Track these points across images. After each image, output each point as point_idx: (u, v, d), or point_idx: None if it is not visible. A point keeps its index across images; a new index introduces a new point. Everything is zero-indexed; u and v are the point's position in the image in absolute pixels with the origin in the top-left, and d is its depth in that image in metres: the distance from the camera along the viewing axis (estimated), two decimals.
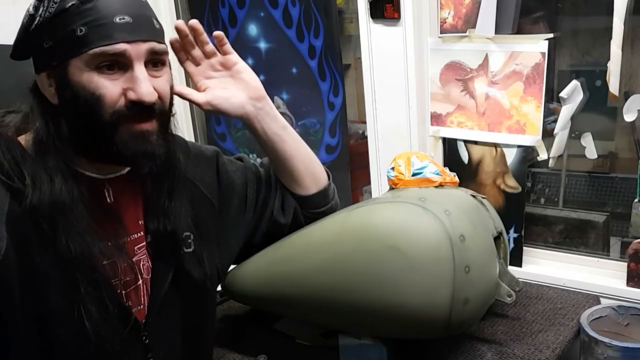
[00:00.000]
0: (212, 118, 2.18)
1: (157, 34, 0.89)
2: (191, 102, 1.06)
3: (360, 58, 1.69)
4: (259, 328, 1.38)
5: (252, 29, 1.97)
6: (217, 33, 1.06)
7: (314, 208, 1.18)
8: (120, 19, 0.83)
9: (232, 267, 1.25)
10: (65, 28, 0.82)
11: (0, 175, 0.84)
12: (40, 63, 0.87)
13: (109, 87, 0.84)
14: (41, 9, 0.83)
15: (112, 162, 0.91)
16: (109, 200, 0.93)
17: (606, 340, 1.22)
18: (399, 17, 1.56)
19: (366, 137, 1.77)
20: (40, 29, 0.84)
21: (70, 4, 0.82)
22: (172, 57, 0.98)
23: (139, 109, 0.85)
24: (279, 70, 1.93)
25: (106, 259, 0.89)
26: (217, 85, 1.08)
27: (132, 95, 0.84)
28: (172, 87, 0.93)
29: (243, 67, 1.09)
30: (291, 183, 1.16)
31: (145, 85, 0.84)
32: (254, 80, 1.10)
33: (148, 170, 0.89)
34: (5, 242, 0.81)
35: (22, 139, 0.89)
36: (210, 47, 1.07)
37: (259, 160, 2.10)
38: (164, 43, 0.90)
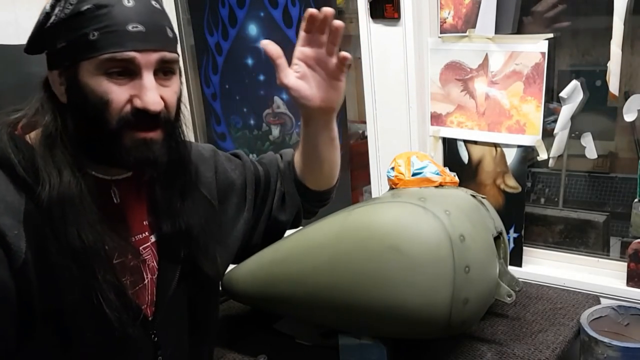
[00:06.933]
0: (212, 118, 2.18)
1: (169, 43, 0.89)
2: (281, 79, 1.05)
3: (360, 58, 1.69)
4: (259, 328, 1.38)
5: (252, 29, 1.96)
6: (343, 54, 1.04)
7: (319, 201, 1.22)
8: (133, 28, 0.83)
9: (232, 267, 1.25)
10: (78, 31, 0.82)
11: (15, 175, 0.84)
12: (53, 61, 0.87)
13: (117, 92, 0.84)
14: (57, 9, 0.83)
15: (115, 166, 0.91)
16: (115, 201, 0.94)
17: (606, 340, 1.22)
18: (399, 17, 1.56)
19: (366, 137, 1.76)
20: (55, 27, 0.84)
21: (85, 7, 0.82)
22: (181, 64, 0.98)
23: (144, 117, 0.85)
24: None
25: (117, 256, 0.90)
26: (308, 78, 1.06)
27: (138, 102, 0.84)
28: (179, 98, 0.93)
29: (341, 86, 1.07)
30: (310, 177, 1.19)
31: (152, 94, 0.84)
32: (337, 99, 1.08)
33: (150, 176, 0.90)
34: (25, 242, 0.82)
35: (29, 138, 0.89)
36: (331, 44, 1.04)
37: None
38: (175, 52, 0.90)
